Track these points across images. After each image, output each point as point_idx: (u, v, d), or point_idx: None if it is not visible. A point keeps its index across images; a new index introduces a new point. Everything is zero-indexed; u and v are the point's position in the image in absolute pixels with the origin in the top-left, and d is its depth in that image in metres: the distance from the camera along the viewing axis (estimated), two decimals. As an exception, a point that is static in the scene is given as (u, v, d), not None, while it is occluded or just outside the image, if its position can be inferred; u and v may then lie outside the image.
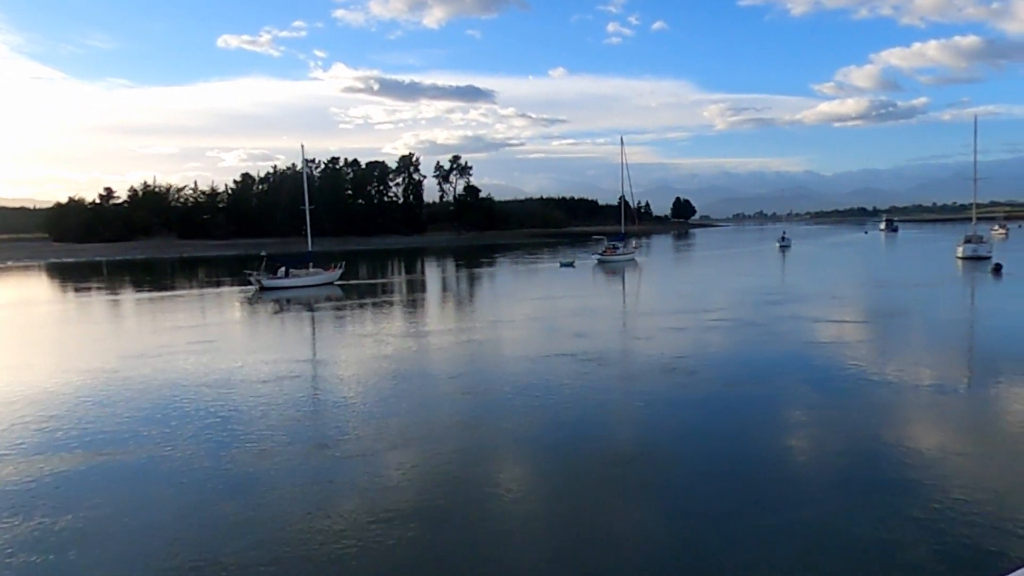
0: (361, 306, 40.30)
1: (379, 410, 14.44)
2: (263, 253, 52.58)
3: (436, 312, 35.91)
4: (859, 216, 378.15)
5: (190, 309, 41.28)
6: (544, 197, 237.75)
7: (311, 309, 39.75)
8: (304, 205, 56.39)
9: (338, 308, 39.64)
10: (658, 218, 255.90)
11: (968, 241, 58.91)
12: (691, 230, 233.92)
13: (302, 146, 56.75)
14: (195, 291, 54.18)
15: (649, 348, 20.98)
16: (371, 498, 9.68)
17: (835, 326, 24.41)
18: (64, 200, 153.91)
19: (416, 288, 51.90)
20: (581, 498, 9.63)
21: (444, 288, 52.95)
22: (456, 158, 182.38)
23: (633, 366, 17.99)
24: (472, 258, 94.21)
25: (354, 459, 11.35)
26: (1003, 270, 45.64)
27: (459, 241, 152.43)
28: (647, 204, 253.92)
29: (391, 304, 40.23)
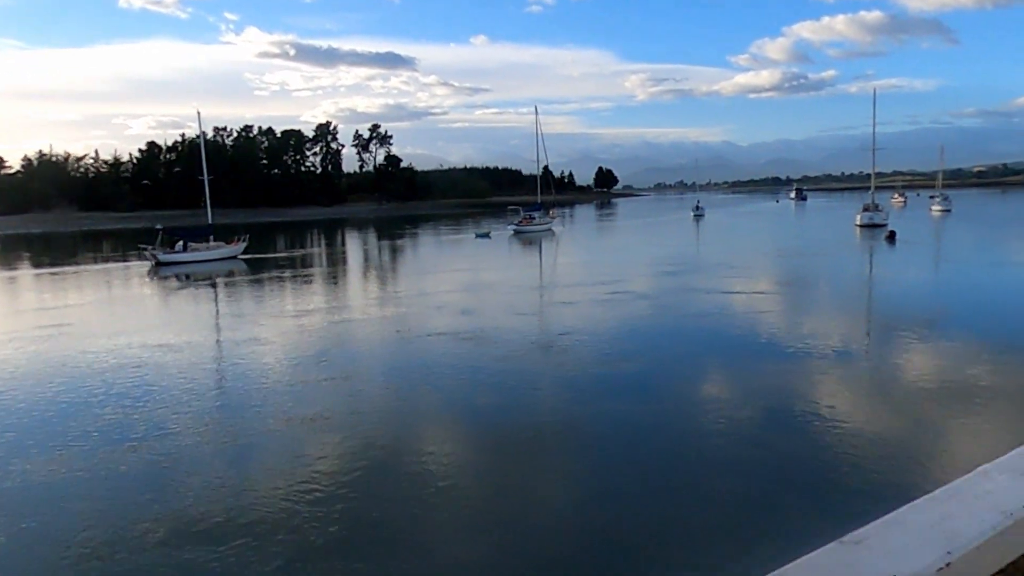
0: (257, 282, 38.60)
1: (208, 401, 13.37)
2: (159, 226, 49.82)
3: (329, 289, 34.59)
4: (773, 186, 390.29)
5: (70, 287, 38.64)
6: (468, 167, 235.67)
7: (199, 285, 37.83)
8: (203, 176, 53.76)
9: (228, 285, 37.83)
10: (581, 188, 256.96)
11: (866, 209, 60.94)
12: (613, 200, 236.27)
13: (198, 112, 53.71)
14: (89, 267, 50.92)
15: (532, 325, 20.43)
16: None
17: (727, 297, 24.37)
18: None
19: (319, 262, 50.11)
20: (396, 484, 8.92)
21: (346, 262, 51.28)
22: (376, 127, 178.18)
23: (509, 345, 17.27)
24: (389, 229, 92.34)
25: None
26: (897, 237, 47.30)
27: (380, 212, 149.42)
28: (571, 174, 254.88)
29: (286, 280, 38.62)
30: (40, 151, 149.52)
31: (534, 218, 71.86)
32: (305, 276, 41.11)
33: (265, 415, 12.29)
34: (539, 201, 77.90)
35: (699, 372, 14.85)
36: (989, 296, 24.37)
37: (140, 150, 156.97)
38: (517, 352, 16.73)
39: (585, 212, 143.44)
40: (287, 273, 41.99)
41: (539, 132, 78.81)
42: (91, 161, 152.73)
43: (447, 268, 41.82)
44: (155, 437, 11.26)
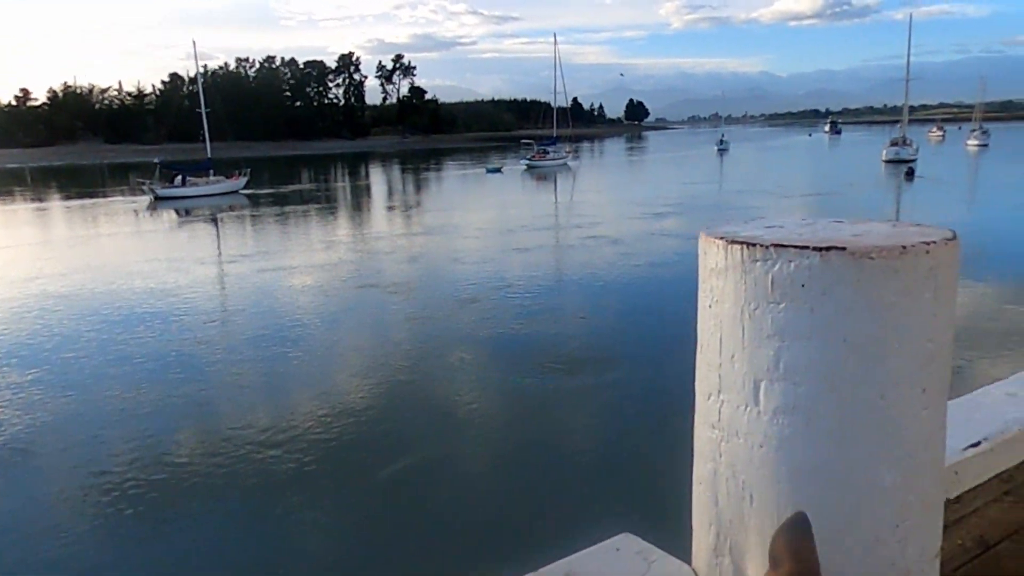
0: (241, 219, 38.31)
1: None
2: (156, 160, 49.53)
3: (305, 228, 34.03)
4: (812, 118, 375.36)
5: (57, 223, 38.76)
6: (496, 99, 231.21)
7: (191, 220, 37.59)
8: (201, 108, 53.12)
9: (217, 221, 37.53)
10: (611, 121, 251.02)
11: (893, 144, 58.21)
12: (645, 133, 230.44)
13: (193, 42, 52.51)
14: (92, 200, 51.03)
15: (473, 275, 19.21)
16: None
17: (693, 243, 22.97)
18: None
19: (316, 198, 49.36)
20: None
21: (341, 199, 50.30)
22: (399, 57, 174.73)
23: (434, 299, 16.28)
24: (405, 164, 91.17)
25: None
26: (915, 174, 45.01)
27: (402, 145, 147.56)
28: (600, 106, 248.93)
29: (270, 218, 38.16)
30: (65, 83, 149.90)
31: (548, 152, 70.08)
32: (292, 213, 40.64)
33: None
34: (554, 135, 75.85)
35: (629, 329, 13.95)
36: (980, 242, 22.75)
37: (163, 81, 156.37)
38: (434, 308, 15.55)
39: (612, 146, 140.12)
40: (277, 210, 41.48)
41: (558, 61, 76.30)
42: (115, 93, 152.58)
43: (436, 207, 41.01)
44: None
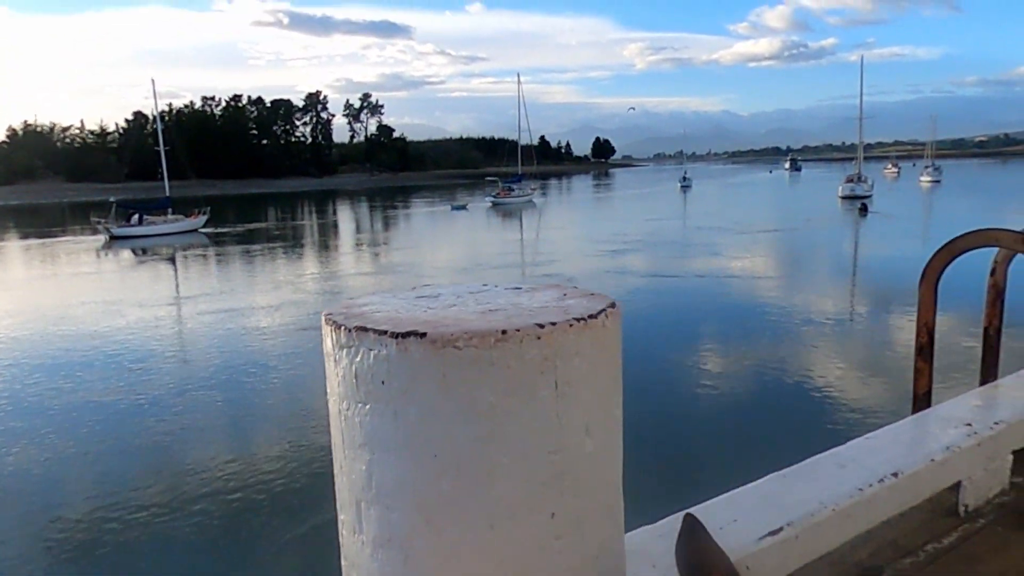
0: (203, 257, 37.77)
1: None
2: (112, 199, 48.87)
3: (262, 267, 33.59)
4: (773, 155, 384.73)
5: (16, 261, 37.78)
6: (464, 137, 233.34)
7: (143, 261, 36.89)
8: (160, 147, 52.73)
9: (166, 259, 36.94)
10: (578, 158, 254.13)
11: (849, 180, 59.67)
12: (611, 170, 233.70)
13: (152, 80, 52.35)
14: (44, 240, 49.89)
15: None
16: None
17: (652, 280, 22.96)
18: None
19: (278, 236, 48.82)
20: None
21: (301, 237, 49.63)
22: (367, 95, 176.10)
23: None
24: (371, 201, 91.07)
25: None
26: (869, 210, 46.05)
27: (370, 183, 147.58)
28: (567, 144, 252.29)
29: (223, 257, 37.65)
30: (25, 121, 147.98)
31: (512, 190, 70.54)
32: (249, 252, 40.14)
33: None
34: (519, 172, 76.55)
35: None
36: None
37: (127, 119, 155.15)
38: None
39: (578, 183, 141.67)
40: (235, 248, 40.95)
41: (521, 100, 77.37)
42: (76, 131, 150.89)
43: (396, 244, 40.77)
44: None
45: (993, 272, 2.87)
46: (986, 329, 2.86)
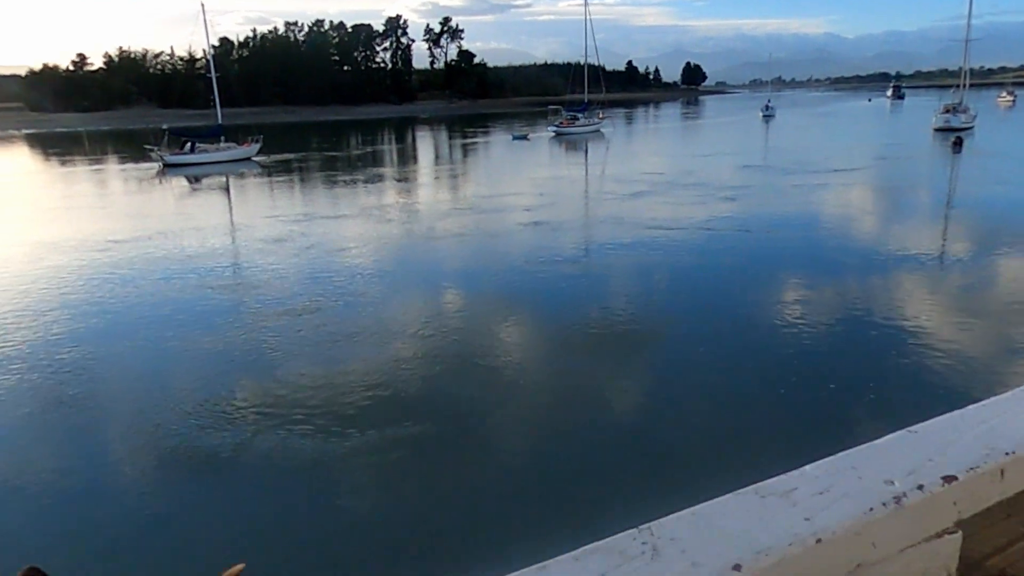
0: (244, 187, 37.75)
1: None
2: (164, 126, 49.27)
3: (297, 196, 33.09)
4: (881, 82, 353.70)
5: (71, 184, 38.85)
6: (548, 63, 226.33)
7: (193, 188, 37.13)
8: (210, 73, 52.87)
9: (219, 188, 37.05)
10: (666, 84, 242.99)
11: (945, 111, 53.64)
12: (701, 98, 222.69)
13: (202, 5, 51.53)
14: (100, 166, 51.42)
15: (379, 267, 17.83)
16: None
17: (673, 234, 19.93)
18: (38, 67, 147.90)
19: (330, 166, 48.27)
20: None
21: (348, 167, 48.28)
22: (447, 20, 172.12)
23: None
24: (441, 129, 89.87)
25: None
26: (963, 144, 41.17)
27: (448, 110, 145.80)
28: (656, 70, 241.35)
29: (276, 185, 37.46)
30: (120, 48, 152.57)
31: (577, 119, 67.55)
32: (295, 181, 39.92)
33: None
34: (585, 100, 73.09)
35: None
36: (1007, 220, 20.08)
37: (213, 46, 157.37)
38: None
39: (662, 111, 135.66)
40: (286, 178, 40.71)
41: (588, 22, 73.09)
42: (167, 58, 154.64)
43: (436, 176, 39.53)
44: None
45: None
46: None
